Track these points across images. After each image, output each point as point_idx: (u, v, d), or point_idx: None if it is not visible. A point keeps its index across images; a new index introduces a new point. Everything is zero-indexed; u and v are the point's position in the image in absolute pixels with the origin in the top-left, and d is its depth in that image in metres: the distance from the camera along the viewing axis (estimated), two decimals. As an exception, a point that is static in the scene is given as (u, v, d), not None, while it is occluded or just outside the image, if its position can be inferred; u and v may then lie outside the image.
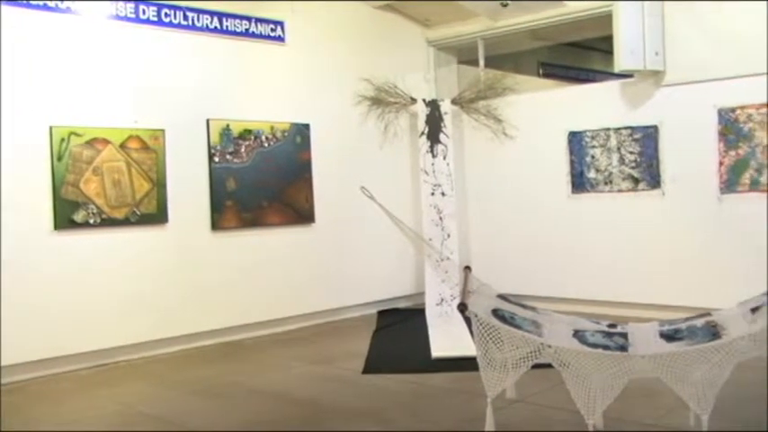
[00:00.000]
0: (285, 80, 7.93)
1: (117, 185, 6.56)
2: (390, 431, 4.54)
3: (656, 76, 7.45)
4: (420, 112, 8.51)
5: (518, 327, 3.88)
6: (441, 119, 8.49)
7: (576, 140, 8.13)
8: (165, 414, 5.05)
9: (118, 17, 6.63)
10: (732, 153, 7.04)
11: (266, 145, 7.63)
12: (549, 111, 8.40)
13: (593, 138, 7.99)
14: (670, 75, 7.38)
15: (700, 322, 3.96)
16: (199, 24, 7.20)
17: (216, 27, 7.32)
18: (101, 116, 6.49)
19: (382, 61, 8.61)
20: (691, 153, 7.29)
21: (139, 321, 6.65)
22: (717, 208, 7.15)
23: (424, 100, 8.57)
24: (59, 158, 6.21)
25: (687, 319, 4.06)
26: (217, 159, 7.25)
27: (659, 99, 7.51)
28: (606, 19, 7.55)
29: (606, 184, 7.93)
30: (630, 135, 7.71)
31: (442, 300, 8.21)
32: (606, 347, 3.81)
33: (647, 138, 7.60)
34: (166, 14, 6.95)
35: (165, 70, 6.96)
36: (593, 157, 8.01)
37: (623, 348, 3.82)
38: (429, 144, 8.42)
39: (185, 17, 7.09)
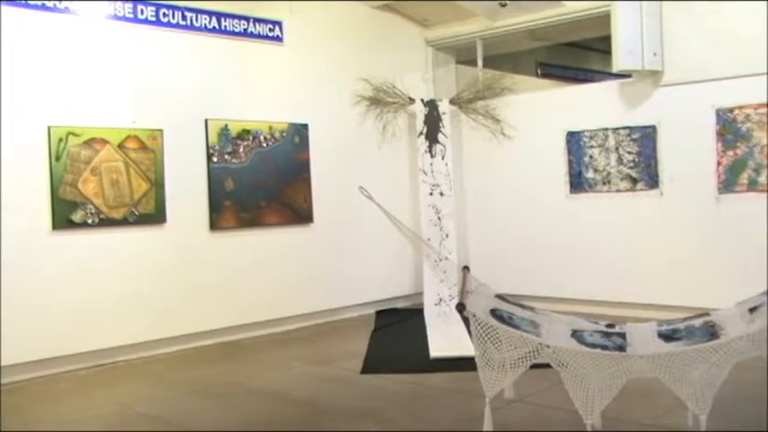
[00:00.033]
0: (283, 80, 7.93)
1: (115, 185, 6.56)
2: (389, 431, 4.54)
3: (655, 76, 7.46)
4: (418, 112, 8.51)
5: (516, 327, 3.88)
6: (439, 119, 8.50)
7: (574, 140, 8.13)
8: (163, 414, 5.04)
9: (116, 17, 6.62)
10: (730, 153, 7.05)
11: (265, 145, 7.63)
12: (547, 111, 8.40)
13: (591, 138, 8.00)
14: (668, 75, 7.39)
15: (698, 322, 3.96)
16: (197, 24, 7.19)
17: (214, 27, 7.32)
18: (99, 116, 6.48)
19: (381, 61, 8.61)
20: (689, 153, 7.30)
21: (138, 321, 6.65)
22: (715, 208, 7.16)
23: (422, 100, 8.57)
24: (57, 158, 6.20)
25: (685, 319, 4.06)
26: (215, 159, 7.25)
27: (657, 99, 7.52)
28: (604, 19, 7.55)
29: (604, 184, 7.93)
30: (629, 135, 7.72)
31: (441, 300, 8.21)
32: (604, 347, 3.81)
33: (646, 138, 7.61)
34: (165, 14, 6.95)
35: (164, 70, 6.95)
36: (591, 157, 8.01)
37: (621, 348, 3.82)
38: (427, 144, 8.42)
39: (184, 17, 7.09)
